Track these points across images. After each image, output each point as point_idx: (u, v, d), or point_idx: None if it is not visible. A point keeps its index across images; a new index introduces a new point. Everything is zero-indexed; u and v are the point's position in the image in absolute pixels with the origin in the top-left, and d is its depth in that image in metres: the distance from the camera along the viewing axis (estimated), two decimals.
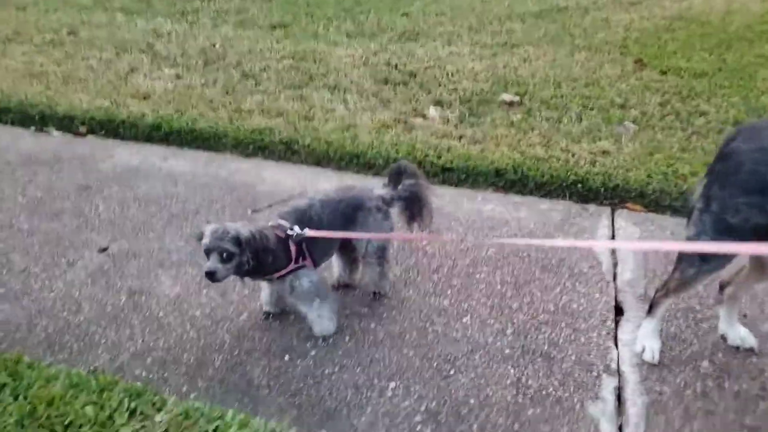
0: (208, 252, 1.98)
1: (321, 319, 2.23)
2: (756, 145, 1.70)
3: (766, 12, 7.02)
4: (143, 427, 1.72)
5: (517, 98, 4.44)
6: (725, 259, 1.84)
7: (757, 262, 2.03)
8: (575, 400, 1.98)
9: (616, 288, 2.55)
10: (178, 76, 5.08)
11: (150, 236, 3.00)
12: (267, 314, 2.40)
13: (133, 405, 1.79)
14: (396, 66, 5.25)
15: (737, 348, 2.18)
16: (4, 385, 1.87)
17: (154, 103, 4.54)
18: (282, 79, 4.97)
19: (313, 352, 2.22)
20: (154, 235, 3.02)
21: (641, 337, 2.18)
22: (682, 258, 1.96)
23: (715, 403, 1.95)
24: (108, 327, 2.36)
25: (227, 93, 4.70)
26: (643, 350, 2.14)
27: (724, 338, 2.22)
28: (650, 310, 2.18)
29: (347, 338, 2.28)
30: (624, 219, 3.10)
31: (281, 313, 2.40)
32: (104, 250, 2.87)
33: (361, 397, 2.01)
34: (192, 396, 2.00)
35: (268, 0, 7.86)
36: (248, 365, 2.15)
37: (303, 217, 2.15)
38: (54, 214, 3.21)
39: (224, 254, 1.96)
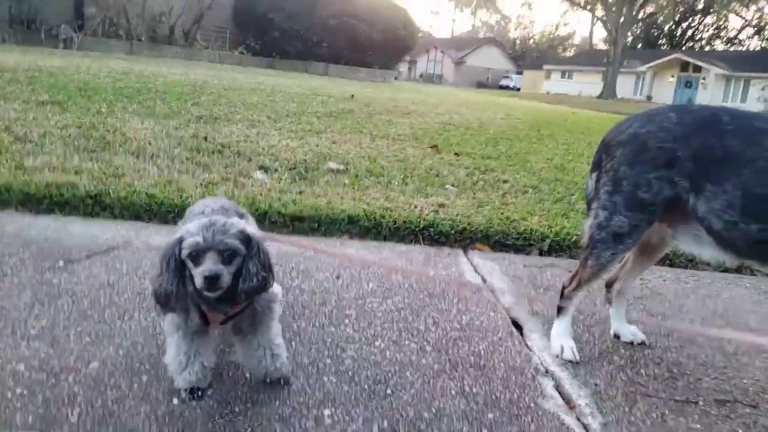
0: (202, 252, 1.44)
1: (280, 353, 1.71)
2: (656, 127, 1.90)
3: (505, 124, 8.56)
4: None
5: (342, 167, 4.47)
6: (639, 233, 1.96)
7: (639, 248, 2.21)
8: (527, 399, 1.82)
9: (504, 308, 2.53)
10: None
11: None
12: (195, 392, 1.64)
13: None
14: (206, 138, 4.92)
15: (631, 343, 2.29)
16: None
17: None
18: (70, 144, 4.24)
19: (209, 392, 1.68)
20: None
21: (556, 338, 2.15)
22: (595, 244, 2.03)
23: (645, 386, 1.98)
24: None
25: (0, 153, 3.80)
26: (562, 350, 2.11)
27: (617, 336, 2.32)
28: (560, 310, 2.19)
29: (247, 374, 1.79)
30: (478, 257, 3.19)
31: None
32: None
33: (295, 428, 1.55)
34: None
35: (29, 83, 6.91)
36: (121, 415, 1.52)
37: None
38: None
39: (227, 253, 1.44)
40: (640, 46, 63.32)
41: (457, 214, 3.55)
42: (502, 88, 58.63)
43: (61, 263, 2.50)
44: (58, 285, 2.29)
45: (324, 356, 1.96)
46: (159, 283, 1.48)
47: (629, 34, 51.79)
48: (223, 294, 1.49)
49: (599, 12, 49.02)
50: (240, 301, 1.56)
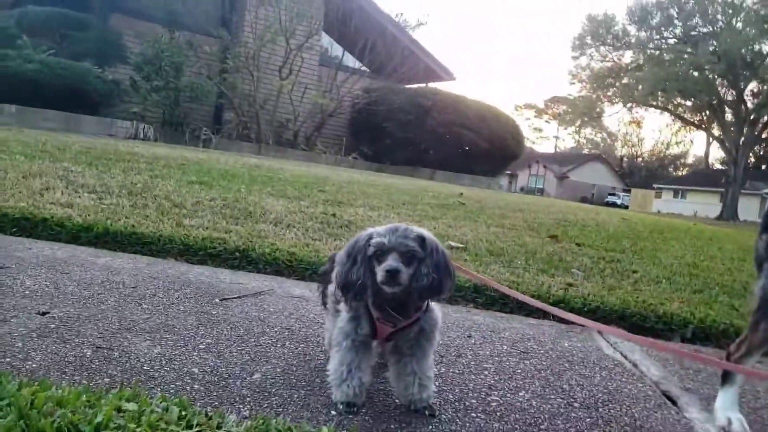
0: (385, 252, 1.59)
1: (428, 385, 1.75)
2: None
3: (624, 225, 8.31)
4: None
5: (462, 245, 4.54)
6: None
7: None
8: None
9: (652, 381, 2.38)
10: (100, 199, 4.58)
11: (102, 307, 2.35)
12: (351, 407, 1.69)
13: None
14: (333, 215, 5.23)
15: None
16: None
17: (81, 209, 3.98)
18: (218, 212, 4.68)
19: (363, 410, 1.71)
20: (106, 306, 2.37)
21: (721, 410, 1.98)
22: (767, 305, 1.91)
23: None
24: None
25: (162, 214, 4.27)
26: (730, 422, 1.94)
27: None
28: (725, 379, 2.03)
29: (397, 400, 1.81)
30: (615, 338, 3.05)
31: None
32: (45, 314, 2.17)
33: None
34: None
35: (179, 168, 7.78)
36: (286, 416, 1.58)
37: None
38: None
39: (407, 255, 1.58)
40: (765, 167, 59.91)
41: (588, 294, 3.46)
42: (608, 204, 57.36)
43: (217, 300, 2.71)
44: (216, 315, 2.48)
45: (469, 397, 1.94)
46: (349, 273, 1.60)
47: (751, 154, 49.48)
48: (398, 299, 1.58)
49: (716, 131, 47.57)
50: (412, 309, 1.63)
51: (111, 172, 6.09)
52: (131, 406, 1.29)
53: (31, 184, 4.70)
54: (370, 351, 1.73)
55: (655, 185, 59.12)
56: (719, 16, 41.68)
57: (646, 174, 74.63)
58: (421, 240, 1.62)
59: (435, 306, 1.79)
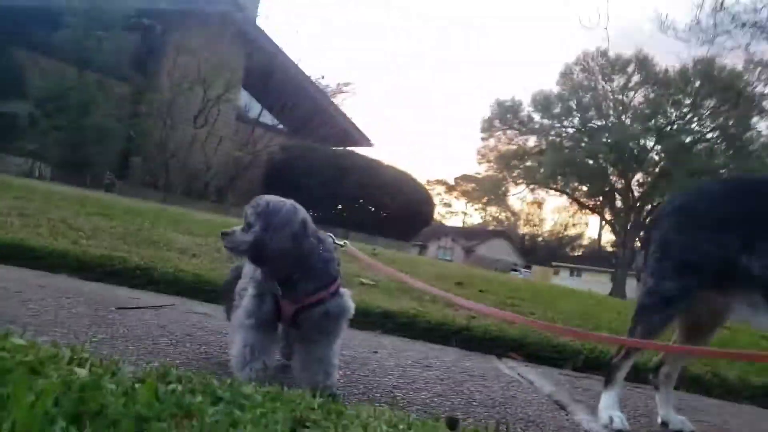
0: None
1: (332, 372, 1.77)
2: (706, 200, 2.11)
3: (525, 284, 8.71)
4: None
5: (373, 282, 4.60)
6: (689, 294, 2.03)
7: (687, 323, 2.24)
8: None
9: (546, 393, 2.49)
10: None
11: None
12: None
13: None
14: None
15: None
16: None
17: None
18: (119, 238, 4.47)
19: None
20: None
21: (604, 409, 2.11)
22: (644, 308, 2.10)
23: None
24: None
25: (57, 234, 4.02)
26: (611, 420, 2.06)
27: (665, 424, 2.25)
28: (607, 381, 2.17)
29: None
30: (513, 363, 3.17)
31: None
32: None
33: None
34: None
35: (78, 202, 7.39)
36: None
37: None
38: None
39: (247, 221, 1.70)
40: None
41: (490, 325, 3.59)
42: None
43: (112, 308, 2.57)
44: (112, 319, 2.35)
45: (374, 392, 1.95)
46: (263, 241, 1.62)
47: (636, 238, 53.83)
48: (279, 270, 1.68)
49: (608, 215, 51.54)
50: (301, 284, 1.69)
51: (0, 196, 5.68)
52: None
53: None
54: (274, 333, 1.72)
55: (553, 263, 62.49)
56: (611, 111, 46.20)
57: (546, 252, 78.83)
58: (265, 206, 1.70)
59: (346, 293, 1.81)
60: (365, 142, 26.23)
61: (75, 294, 2.71)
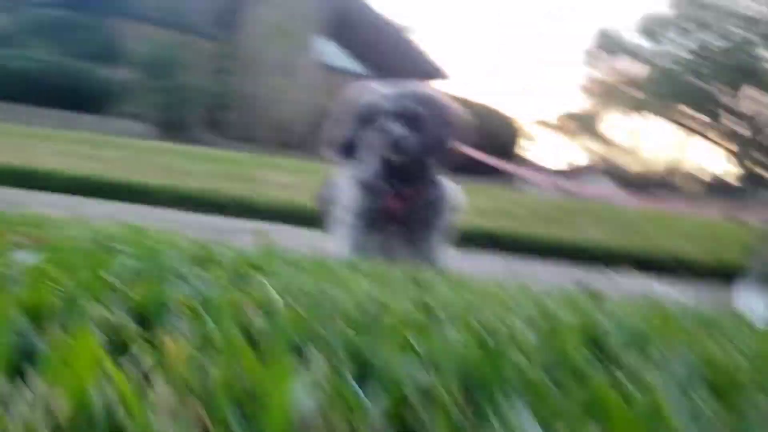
0: (387, 116, 1.47)
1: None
2: None
3: None
4: None
5: None
6: None
7: None
8: None
9: None
10: None
11: None
12: None
13: None
14: None
15: None
16: None
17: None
18: None
19: None
20: None
21: None
22: None
23: None
24: None
25: None
26: None
27: None
28: None
29: None
30: None
31: None
32: None
33: None
34: None
35: None
36: None
37: None
38: None
39: (413, 118, 1.45)
40: None
41: None
42: None
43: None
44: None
45: None
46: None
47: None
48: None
49: (728, 145, 46.81)
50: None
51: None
52: None
53: None
54: (381, 234, 1.54)
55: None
56: (740, 30, 41.12)
57: (656, 189, 73.92)
58: (427, 100, 1.51)
59: (452, 186, 1.68)
60: (442, 75, 25.27)
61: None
